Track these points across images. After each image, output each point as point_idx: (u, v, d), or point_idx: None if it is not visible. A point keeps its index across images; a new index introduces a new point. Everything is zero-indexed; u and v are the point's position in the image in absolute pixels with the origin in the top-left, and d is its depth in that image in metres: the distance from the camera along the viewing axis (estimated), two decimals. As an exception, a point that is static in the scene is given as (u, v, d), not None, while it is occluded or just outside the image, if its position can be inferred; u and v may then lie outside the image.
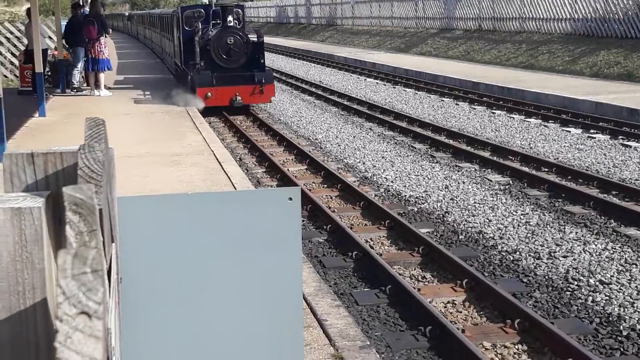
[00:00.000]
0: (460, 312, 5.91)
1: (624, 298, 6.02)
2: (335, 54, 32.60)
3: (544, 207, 8.71)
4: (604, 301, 5.99)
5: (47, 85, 16.94)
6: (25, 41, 19.04)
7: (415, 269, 6.87)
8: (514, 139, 13.00)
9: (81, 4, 20.04)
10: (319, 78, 24.67)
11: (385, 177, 10.36)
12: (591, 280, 6.39)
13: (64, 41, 18.48)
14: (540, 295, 6.17)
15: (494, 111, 16.18)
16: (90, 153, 1.26)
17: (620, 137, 12.71)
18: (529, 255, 7.07)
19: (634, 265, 6.70)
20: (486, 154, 11.56)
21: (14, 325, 1.25)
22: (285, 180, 10.21)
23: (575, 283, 6.37)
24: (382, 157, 11.67)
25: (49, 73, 18.98)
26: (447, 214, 8.54)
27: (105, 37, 17.90)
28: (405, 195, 9.41)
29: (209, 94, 15.55)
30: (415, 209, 8.80)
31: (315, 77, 24.91)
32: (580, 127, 13.77)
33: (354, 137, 13.60)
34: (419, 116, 15.66)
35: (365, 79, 23.98)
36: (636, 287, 6.23)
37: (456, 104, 17.54)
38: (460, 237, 7.75)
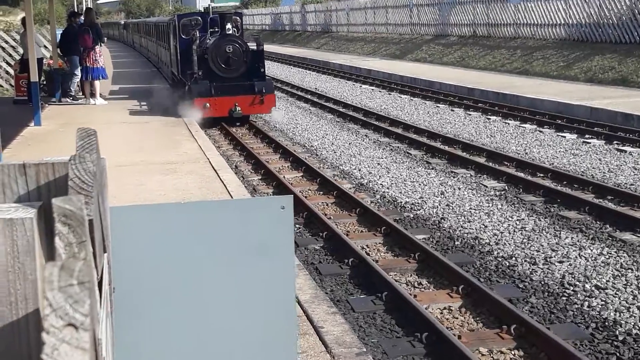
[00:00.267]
0: (457, 318, 5.91)
1: (620, 303, 6.02)
2: (330, 60, 32.65)
3: (539, 212, 8.72)
4: (599, 306, 5.99)
5: (42, 95, 16.93)
6: (21, 50, 19.05)
7: (411, 275, 6.87)
8: (509, 144, 13.02)
9: (77, 12, 20.06)
10: (314, 85, 24.70)
11: (381, 184, 10.37)
12: (587, 285, 6.40)
13: (59, 50, 18.49)
14: (536, 301, 6.18)
15: (489, 117, 16.21)
16: (81, 164, 1.26)
17: (615, 142, 12.74)
18: (525, 261, 7.08)
19: (629, 270, 6.72)
20: (482, 160, 11.58)
21: (7, 336, 1.25)
22: (281, 188, 10.21)
23: (571, 288, 6.37)
24: (378, 164, 11.68)
25: (45, 82, 18.97)
26: (443, 220, 8.55)
27: (101, 45, 17.91)
28: (401, 202, 9.42)
29: (208, 104, 15.10)
30: (411, 215, 8.81)
31: (310, 84, 24.94)
32: (575, 133, 13.81)
33: (349, 143, 13.62)
34: (414, 122, 15.68)
35: (360, 86, 24.02)
36: (632, 291, 6.24)
37: (451, 110, 17.57)
38: (456, 243, 7.76)
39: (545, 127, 14.61)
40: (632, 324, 5.65)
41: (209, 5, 17.16)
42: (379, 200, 9.56)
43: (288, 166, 11.82)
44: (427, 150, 12.62)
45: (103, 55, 18.35)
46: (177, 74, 18.01)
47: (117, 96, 19.22)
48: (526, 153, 12.21)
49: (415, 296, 6.19)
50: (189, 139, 12.56)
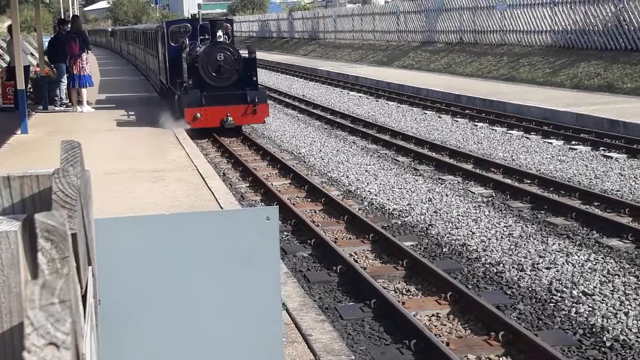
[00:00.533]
0: (445, 325, 5.92)
1: (607, 309, 6.05)
2: (318, 67, 32.70)
3: (526, 219, 8.75)
4: (587, 312, 6.01)
5: (29, 102, 16.87)
6: (7, 58, 19.00)
7: (399, 283, 6.88)
8: (497, 151, 13.07)
9: (65, 20, 20.00)
10: (302, 92, 24.72)
11: (369, 191, 10.39)
12: (574, 292, 6.42)
13: (46, 57, 18.44)
14: (524, 307, 6.19)
15: (476, 123, 16.26)
16: (65, 177, 1.26)
17: (602, 148, 12.81)
18: (513, 267, 7.10)
19: (616, 276, 6.74)
20: (469, 167, 11.61)
21: (-10, 350, 1.24)
22: (269, 195, 10.21)
23: (559, 294, 6.40)
24: (366, 171, 11.70)
25: (31, 90, 18.91)
26: (430, 227, 8.56)
27: (87, 53, 17.87)
28: (389, 209, 9.43)
29: (198, 114, 14.53)
30: (399, 222, 8.82)
31: (298, 91, 24.96)
32: (561, 139, 13.87)
33: (337, 150, 13.63)
34: (402, 129, 15.72)
35: (348, 93, 24.06)
36: (619, 297, 6.26)
37: (439, 117, 17.62)
38: (444, 249, 7.77)
39: (532, 133, 14.67)
40: (620, 330, 5.67)
41: (198, 12, 16.69)
42: (367, 207, 9.57)
43: (276, 173, 11.82)
44: (414, 157, 12.64)
45: (90, 63, 18.30)
46: (165, 83, 17.50)
47: (104, 105, 18.94)
48: (513, 159, 12.25)
49: (403, 303, 6.19)
50: (176, 147, 12.54)
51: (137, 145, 12.77)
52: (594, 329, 5.71)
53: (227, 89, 14.92)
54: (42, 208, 1.36)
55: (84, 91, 17.54)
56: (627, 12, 21.32)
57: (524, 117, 16.39)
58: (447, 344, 5.38)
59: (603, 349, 5.41)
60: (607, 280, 6.65)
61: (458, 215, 8.98)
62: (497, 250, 7.61)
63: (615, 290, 6.43)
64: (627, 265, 7.01)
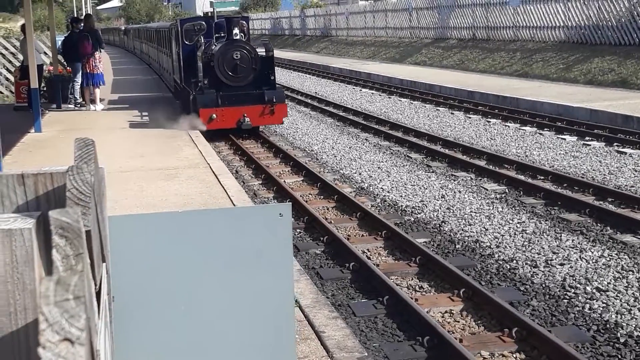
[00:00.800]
0: (458, 321, 5.91)
1: (621, 305, 6.02)
2: (330, 65, 32.68)
3: (540, 215, 8.72)
4: (601, 308, 5.99)
5: (42, 101, 16.96)
6: (21, 57, 19.08)
7: (412, 279, 6.87)
8: (510, 147, 13.03)
9: (79, 18, 20.07)
10: (314, 89, 24.72)
11: (381, 188, 10.38)
12: (588, 288, 6.40)
13: (62, 57, 18.52)
14: (538, 304, 6.18)
15: (489, 120, 16.21)
16: (79, 175, 1.27)
17: (616, 144, 12.74)
18: (526, 264, 7.08)
19: (630, 272, 6.71)
20: (482, 163, 11.58)
21: (6, 346, 1.25)
22: (281, 192, 10.22)
23: (572, 291, 6.37)
24: (378, 168, 11.69)
25: (45, 89, 19.00)
26: (443, 224, 8.55)
27: (100, 51, 17.93)
28: (401, 205, 9.42)
29: (214, 115, 14.07)
30: (412, 219, 8.81)
31: (310, 89, 24.96)
32: (575, 135, 13.81)
33: (349, 147, 13.62)
34: (414, 126, 15.69)
35: (360, 90, 24.03)
36: (633, 294, 6.23)
37: (451, 113, 17.58)
38: (457, 246, 7.76)
39: (545, 129, 14.61)
40: (634, 326, 5.65)
41: (213, 9, 16.30)
42: (380, 204, 9.56)
43: (288, 171, 11.83)
44: (427, 154, 12.62)
45: (103, 62, 18.36)
46: (179, 82, 17.08)
47: (117, 105, 18.81)
48: (526, 156, 12.21)
49: (416, 300, 6.19)
50: (189, 144, 12.58)
51: (150, 143, 12.81)
52: (607, 325, 5.69)
53: (244, 89, 14.47)
54: (57, 205, 1.37)
55: (96, 90, 17.61)
56: (641, 7, 21.18)
57: (538, 113, 16.33)
58: (460, 341, 5.38)
59: (617, 345, 5.39)
60: (621, 276, 6.62)
61: (471, 211, 8.96)
62: (510, 247, 7.59)
63: (630, 286, 6.40)
64: (642, 262, 6.98)
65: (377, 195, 10.03)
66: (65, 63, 19.03)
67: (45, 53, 20.76)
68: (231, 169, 11.50)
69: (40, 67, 16.86)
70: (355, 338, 5.03)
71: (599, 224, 8.20)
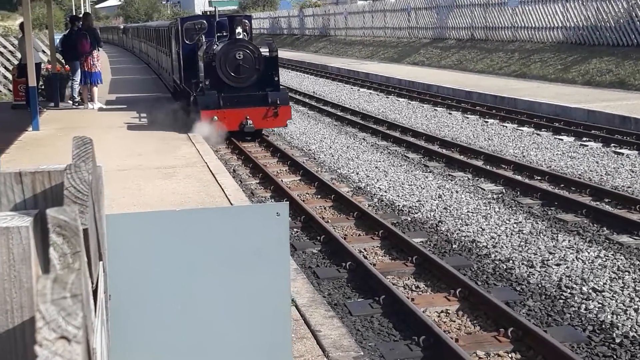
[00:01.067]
0: (454, 321, 5.93)
1: (617, 305, 6.04)
2: (328, 64, 32.68)
3: (537, 215, 8.74)
4: (597, 309, 6.01)
5: (40, 99, 16.94)
6: (19, 55, 19.06)
7: (408, 279, 6.88)
8: (507, 147, 13.04)
9: (78, 17, 20.06)
10: (312, 89, 24.72)
11: (378, 187, 10.39)
12: (584, 288, 6.41)
13: (61, 55, 18.50)
14: (534, 304, 6.19)
15: (486, 120, 16.23)
16: (77, 173, 1.28)
17: (613, 144, 12.76)
18: (522, 264, 7.09)
19: (626, 273, 6.73)
20: (479, 163, 11.59)
21: (3, 344, 1.26)
22: (279, 191, 10.23)
23: (568, 291, 6.39)
24: (376, 167, 11.70)
25: (43, 87, 18.99)
26: (440, 223, 8.56)
27: (98, 50, 17.92)
28: (398, 205, 9.43)
29: (216, 117, 13.59)
30: (409, 219, 8.83)
31: (309, 88, 24.96)
32: (572, 135, 13.83)
33: (347, 147, 13.63)
34: (412, 126, 15.70)
35: (358, 89, 24.04)
36: (629, 294, 6.25)
37: (449, 113, 17.59)
38: (453, 246, 7.77)
39: (543, 130, 14.63)
40: (629, 326, 5.66)
41: (215, 8, 15.87)
42: (377, 204, 9.57)
43: (286, 170, 11.83)
44: (424, 154, 12.63)
45: (101, 60, 18.35)
46: (179, 83, 16.68)
47: (115, 105, 18.45)
48: (524, 156, 12.23)
49: (412, 299, 6.20)
50: (186, 143, 12.58)
51: (148, 142, 12.81)
52: (603, 326, 5.71)
53: (247, 90, 13.96)
54: (54, 204, 1.38)
55: (94, 88, 17.60)
56: None
57: (535, 113, 16.35)
58: (456, 340, 5.39)
59: (613, 346, 5.40)
60: (617, 277, 6.64)
61: (468, 211, 8.97)
62: (507, 247, 7.60)
63: (626, 286, 6.42)
64: (638, 262, 7.00)
65: (374, 194, 10.04)
66: (63, 61, 19.01)
67: (43, 51, 20.74)
68: (229, 168, 11.50)
69: (38, 66, 16.85)
70: (351, 337, 5.04)
71: (595, 225, 8.22)
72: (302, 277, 6.16)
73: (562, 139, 13.53)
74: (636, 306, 6.00)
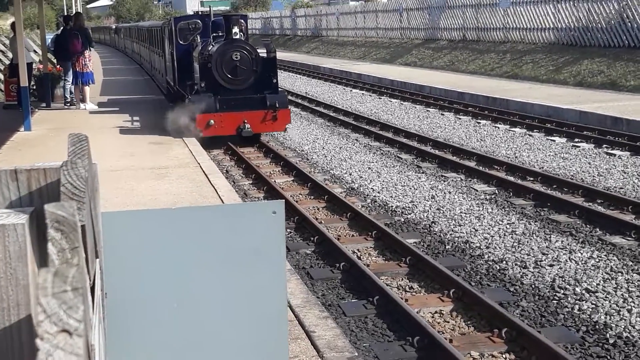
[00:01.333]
0: (448, 321, 5.92)
1: (610, 306, 6.05)
2: (320, 65, 32.68)
3: (529, 216, 8.75)
4: (590, 309, 6.01)
5: (32, 99, 16.88)
6: (10, 55, 19.00)
7: (402, 280, 6.88)
8: (499, 148, 13.06)
9: (71, 17, 20.00)
10: (304, 89, 24.71)
11: (371, 188, 10.39)
12: (577, 289, 6.42)
13: (53, 56, 18.45)
14: (527, 304, 6.19)
15: (479, 121, 16.25)
16: (73, 169, 1.26)
17: (605, 145, 12.80)
18: (516, 265, 7.10)
19: (619, 274, 6.74)
20: (472, 164, 11.60)
21: (-1, 342, 1.24)
22: (272, 192, 10.21)
23: (562, 292, 6.40)
24: (369, 168, 11.70)
25: (34, 87, 18.93)
26: (433, 224, 8.56)
27: (90, 50, 17.87)
28: (391, 206, 9.43)
29: (212, 121, 12.97)
30: (402, 220, 8.82)
31: (301, 89, 24.95)
32: (564, 136, 13.86)
33: (340, 148, 13.63)
34: (404, 127, 15.71)
35: (351, 90, 24.04)
36: (622, 295, 6.26)
37: (441, 114, 17.61)
38: (447, 247, 7.77)
39: (535, 131, 14.66)
40: (623, 327, 5.67)
41: (209, 7, 15.58)
42: (370, 205, 9.57)
43: (279, 171, 11.82)
44: (417, 155, 12.64)
45: (92, 60, 18.30)
46: (173, 85, 16.18)
47: (107, 107, 18.19)
48: (516, 157, 12.25)
49: (406, 300, 6.20)
50: (179, 144, 12.55)
51: (140, 143, 12.78)
52: (597, 326, 5.71)
53: (244, 93, 13.33)
54: (50, 201, 1.37)
55: (86, 88, 17.55)
56: (631, 9, 21.29)
57: (527, 114, 16.38)
58: (450, 341, 5.39)
59: (606, 346, 5.41)
60: (610, 278, 6.65)
61: (461, 212, 8.98)
62: (500, 248, 7.61)
63: (619, 287, 6.43)
64: (630, 263, 7.01)
65: (368, 195, 10.04)
66: (55, 61, 18.96)
67: (35, 51, 20.67)
68: (221, 169, 11.49)
69: (29, 65, 16.79)
70: (345, 338, 5.03)
71: (588, 225, 8.23)
72: (295, 278, 6.15)
73: (554, 140, 13.56)
74: (629, 307, 6.02)
